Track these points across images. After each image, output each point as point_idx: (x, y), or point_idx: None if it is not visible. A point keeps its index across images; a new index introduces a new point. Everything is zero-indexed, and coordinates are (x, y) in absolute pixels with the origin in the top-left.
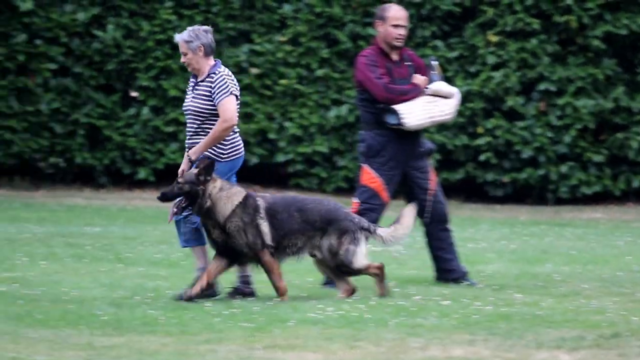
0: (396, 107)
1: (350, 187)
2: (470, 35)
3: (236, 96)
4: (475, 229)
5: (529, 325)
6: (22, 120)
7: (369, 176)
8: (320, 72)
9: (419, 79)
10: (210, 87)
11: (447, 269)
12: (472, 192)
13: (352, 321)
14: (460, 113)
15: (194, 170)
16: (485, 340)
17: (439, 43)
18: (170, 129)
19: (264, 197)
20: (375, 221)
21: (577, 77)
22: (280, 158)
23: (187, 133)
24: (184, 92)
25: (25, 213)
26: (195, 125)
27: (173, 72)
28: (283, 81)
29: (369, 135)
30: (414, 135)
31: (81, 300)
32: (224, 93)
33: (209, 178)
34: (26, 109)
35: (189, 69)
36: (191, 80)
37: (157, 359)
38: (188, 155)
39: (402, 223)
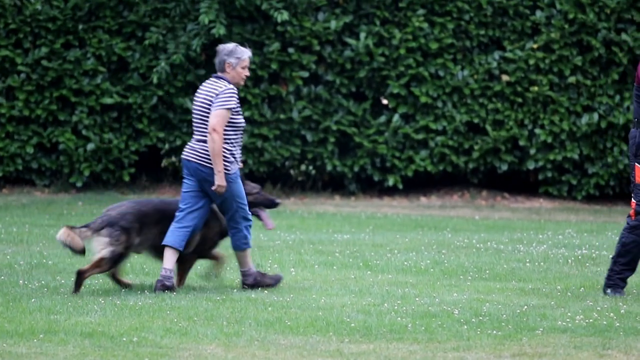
0: None
1: (600, 194)
2: None
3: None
4: None
5: None
6: (274, 127)
7: None
8: (572, 79)
9: None
10: None
11: None
12: None
13: (602, 329)
14: None
15: None
16: None
17: None
18: (420, 136)
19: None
20: None
21: None
22: (531, 165)
23: (239, 147)
24: (435, 99)
25: (276, 220)
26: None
27: (424, 79)
28: (534, 88)
29: (638, 132)
30: None
31: (330, 307)
32: None
33: None
34: (278, 116)
35: (242, 83)
36: (236, 95)
37: None
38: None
39: None
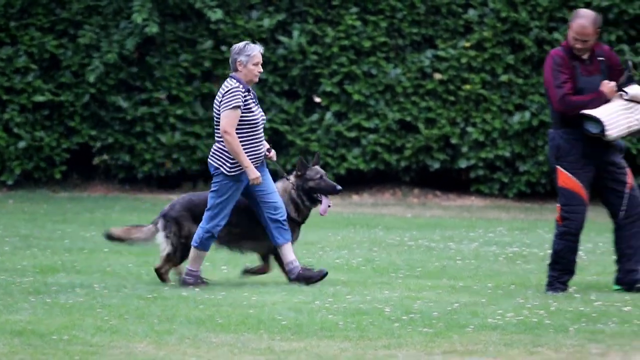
0: (599, 115)
1: (531, 192)
2: None
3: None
4: None
5: None
6: (207, 125)
7: (564, 177)
8: (504, 78)
9: (606, 86)
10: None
11: (631, 270)
12: None
13: (532, 327)
14: None
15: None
16: None
17: (625, 47)
18: (352, 134)
19: None
20: (581, 223)
21: None
22: (462, 163)
23: (259, 143)
24: (368, 97)
25: None
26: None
27: (357, 77)
28: (467, 86)
29: (557, 134)
30: None
31: (261, 305)
32: None
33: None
34: (211, 114)
35: (256, 80)
36: (248, 92)
37: None
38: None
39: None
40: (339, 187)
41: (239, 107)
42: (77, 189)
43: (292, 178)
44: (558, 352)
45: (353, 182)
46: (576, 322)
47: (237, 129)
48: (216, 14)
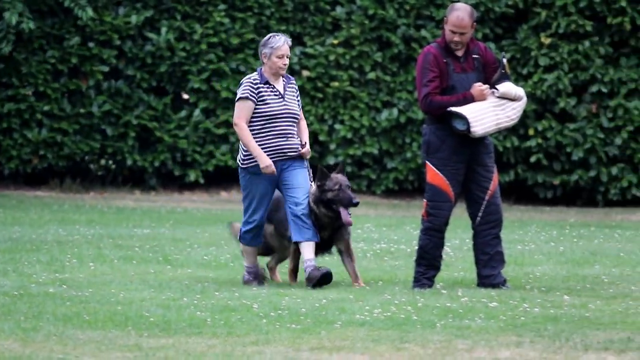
0: (465, 112)
1: (399, 188)
2: (523, 37)
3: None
4: (524, 231)
5: (576, 327)
6: (74, 122)
7: (432, 173)
8: (372, 75)
9: (476, 89)
10: (295, 89)
11: (489, 275)
12: (521, 194)
13: (399, 323)
14: None
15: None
16: (533, 342)
17: (491, 45)
18: (221, 131)
19: None
20: (446, 219)
21: (630, 78)
22: (330, 160)
23: (276, 136)
24: (235, 94)
25: (75, 215)
26: (293, 127)
27: (225, 74)
28: (335, 84)
29: (429, 129)
30: None
31: (129, 302)
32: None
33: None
34: (78, 111)
35: (282, 72)
36: (266, 84)
37: None
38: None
39: None
40: (356, 200)
41: (246, 98)
42: None
43: (313, 186)
44: (425, 348)
45: (221, 179)
46: (443, 318)
47: (250, 121)
48: (87, 14)
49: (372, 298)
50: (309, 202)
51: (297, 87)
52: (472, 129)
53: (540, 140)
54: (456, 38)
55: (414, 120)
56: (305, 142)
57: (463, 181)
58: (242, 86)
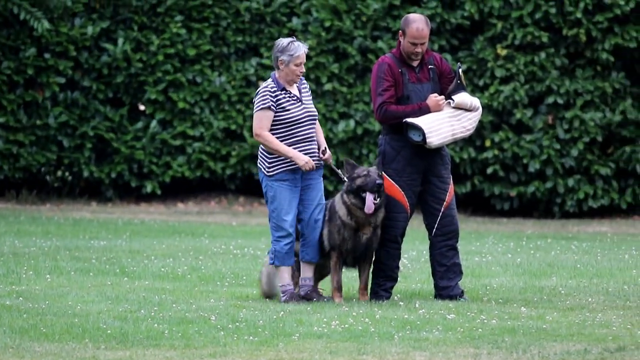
0: (421, 123)
1: None
2: (479, 49)
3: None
4: (480, 243)
5: (534, 338)
6: (30, 133)
7: (388, 183)
8: (328, 86)
9: (432, 100)
10: (308, 89)
11: (446, 286)
12: (478, 205)
13: (357, 335)
14: None
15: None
16: (490, 354)
17: (448, 56)
18: (177, 142)
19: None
20: (402, 230)
21: (585, 90)
22: None
23: (299, 142)
24: (193, 105)
25: (32, 227)
26: (313, 130)
27: (182, 85)
28: None
29: (384, 140)
30: None
31: (86, 314)
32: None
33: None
34: (34, 122)
35: (297, 80)
36: (283, 91)
37: None
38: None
39: None
40: (379, 182)
41: (268, 108)
42: None
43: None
44: None
45: (178, 190)
46: (401, 330)
47: (271, 129)
48: (43, 25)
49: (329, 310)
50: (342, 197)
51: (309, 87)
52: (427, 140)
53: (496, 152)
54: (418, 49)
55: (371, 132)
56: (325, 147)
57: (419, 192)
58: (259, 96)
